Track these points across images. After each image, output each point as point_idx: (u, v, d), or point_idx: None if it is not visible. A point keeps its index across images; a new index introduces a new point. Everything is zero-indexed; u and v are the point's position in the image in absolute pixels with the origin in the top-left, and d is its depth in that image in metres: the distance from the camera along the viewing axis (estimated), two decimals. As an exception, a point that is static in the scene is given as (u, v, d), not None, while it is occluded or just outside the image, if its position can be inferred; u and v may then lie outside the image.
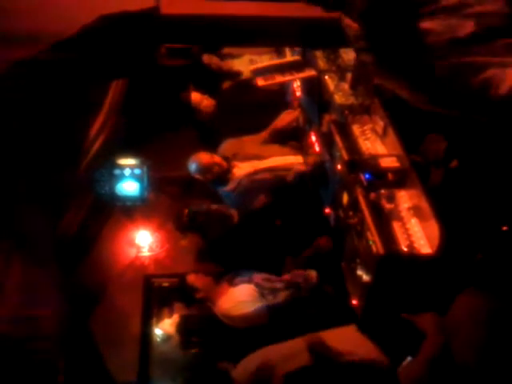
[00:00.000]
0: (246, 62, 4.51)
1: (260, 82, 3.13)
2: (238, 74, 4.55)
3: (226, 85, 4.63)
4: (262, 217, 3.89)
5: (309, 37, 2.86)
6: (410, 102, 2.16)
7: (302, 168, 3.71)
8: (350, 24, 2.04)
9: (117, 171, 3.76)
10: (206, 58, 4.59)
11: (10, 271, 2.85)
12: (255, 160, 3.97)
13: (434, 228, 2.59)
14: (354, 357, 3.03)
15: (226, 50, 4.68)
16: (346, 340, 3.19)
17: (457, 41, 1.86)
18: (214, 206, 4.08)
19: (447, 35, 1.87)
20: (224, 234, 3.96)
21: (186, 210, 4.02)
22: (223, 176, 3.96)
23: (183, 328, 4.39)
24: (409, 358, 2.64)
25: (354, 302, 2.91)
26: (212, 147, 4.23)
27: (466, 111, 2.01)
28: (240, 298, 3.72)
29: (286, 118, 4.09)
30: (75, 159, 3.68)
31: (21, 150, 3.09)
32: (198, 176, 4.02)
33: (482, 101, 1.87)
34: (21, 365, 2.76)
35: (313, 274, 3.73)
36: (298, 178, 3.76)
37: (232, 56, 4.66)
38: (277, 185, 3.86)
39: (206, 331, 4.07)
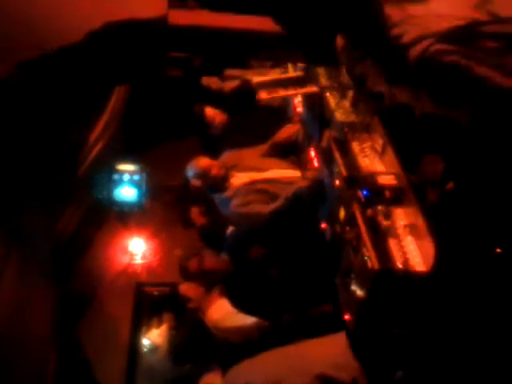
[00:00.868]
0: None
1: (263, 95, 3.18)
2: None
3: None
4: (257, 268, 3.78)
5: (311, 53, 2.93)
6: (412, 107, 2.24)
7: (300, 185, 3.69)
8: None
9: (116, 176, 3.78)
10: (205, 80, 4.65)
11: (8, 266, 2.84)
12: (254, 172, 3.99)
13: (429, 246, 2.62)
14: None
15: (227, 72, 4.74)
16: (336, 353, 3.15)
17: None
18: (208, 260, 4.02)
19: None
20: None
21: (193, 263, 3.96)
22: (221, 183, 3.96)
23: (171, 340, 4.37)
24: (399, 373, 2.64)
25: (347, 316, 2.91)
26: (213, 158, 4.25)
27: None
28: (231, 310, 3.71)
29: (286, 132, 4.13)
30: (74, 162, 3.69)
31: (21, 151, 3.10)
32: (195, 181, 4.03)
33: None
34: (12, 363, 2.74)
35: None
36: (295, 196, 3.69)
37: (233, 78, 4.72)
38: (271, 219, 3.70)
39: (194, 344, 4.05)
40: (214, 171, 3.98)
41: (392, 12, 2.24)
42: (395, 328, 2.72)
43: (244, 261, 3.79)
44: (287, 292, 3.60)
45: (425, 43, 2.09)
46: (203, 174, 4.02)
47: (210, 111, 4.53)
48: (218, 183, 4.00)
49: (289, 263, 3.63)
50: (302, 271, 3.55)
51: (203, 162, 4.06)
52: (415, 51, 2.10)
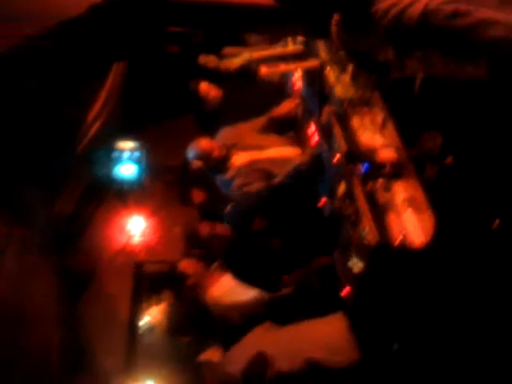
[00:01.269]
0: (246, 60, 4.50)
1: (263, 69, 3.16)
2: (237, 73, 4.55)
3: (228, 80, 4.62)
4: (259, 238, 3.81)
5: (311, 26, 2.90)
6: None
7: (300, 160, 3.69)
8: None
9: (115, 154, 3.76)
10: (202, 59, 4.60)
11: (10, 245, 2.85)
12: (254, 150, 3.96)
13: (428, 219, 2.63)
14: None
15: (226, 50, 4.69)
16: (331, 336, 3.18)
17: None
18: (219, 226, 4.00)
19: None
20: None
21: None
22: (222, 163, 3.94)
23: (170, 317, 4.39)
24: (396, 346, 2.67)
25: (345, 290, 2.93)
26: (211, 136, 4.22)
27: None
28: (231, 285, 3.71)
29: (285, 107, 4.10)
30: (73, 140, 3.68)
31: (20, 130, 3.09)
32: (196, 162, 4.00)
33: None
34: (17, 338, 2.76)
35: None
36: (295, 170, 3.71)
37: (231, 55, 4.67)
38: (272, 194, 3.73)
39: (193, 321, 4.07)
40: (215, 153, 3.95)
41: None
42: (393, 302, 2.73)
43: (246, 232, 3.80)
44: (289, 262, 3.62)
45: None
46: (204, 156, 3.98)
47: (204, 86, 4.48)
48: (220, 164, 3.97)
49: (290, 234, 3.65)
50: (303, 242, 3.56)
51: (204, 143, 4.01)
52: (416, 8, 2.12)
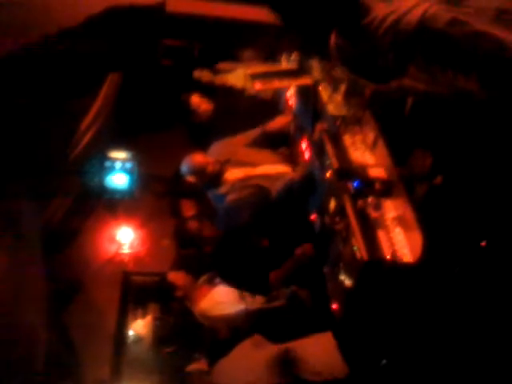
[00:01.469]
0: (240, 77, 4.56)
1: (257, 85, 3.20)
2: (231, 89, 4.60)
3: (221, 95, 4.68)
4: (246, 234, 3.88)
5: (306, 44, 2.96)
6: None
7: (292, 176, 3.73)
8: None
9: (107, 163, 3.77)
10: (197, 73, 4.65)
11: (1, 250, 2.84)
12: (247, 167, 3.98)
13: (417, 238, 2.67)
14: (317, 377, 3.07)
15: (221, 66, 4.74)
16: (317, 353, 3.21)
17: None
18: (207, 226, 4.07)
19: None
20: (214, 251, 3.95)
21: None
22: (216, 179, 3.94)
23: (156, 329, 4.38)
24: (384, 361, 2.70)
25: (335, 306, 2.96)
26: (203, 149, 4.24)
27: None
28: (220, 298, 3.73)
29: (278, 123, 4.14)
30: (65, 149, 3.68)
31: (12, 138, 3.09)
32: (190, 178, 3.99)
33: None
34: (3, 350, 2.74)
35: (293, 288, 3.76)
36: (286, 187, 3.76)
37: (226, 71, 4.72)
38: (263, 198, 3.81)
39: (180, 333, 4.07)
40: (210, 168, 3.94)
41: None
42: (382, 317, 2.77)
43: (234, 231, 3.88)
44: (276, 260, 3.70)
45: (423, 6, 2.18)
46: (199, 171, 3.97)
47: (195, 98, 4.51)
48: (213, 179, 3.97)
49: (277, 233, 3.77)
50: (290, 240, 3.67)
51: (198, 158, 4.00)
52: (414, 15, 2.17)
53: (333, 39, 2.56)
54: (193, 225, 3.99)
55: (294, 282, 3.71)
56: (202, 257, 4.07)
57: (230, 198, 3.84)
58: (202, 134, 4.57)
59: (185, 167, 3.98)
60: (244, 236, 3.90)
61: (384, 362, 2.73)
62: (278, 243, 3.83)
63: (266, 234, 3.91)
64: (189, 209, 4.49)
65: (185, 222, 4.13)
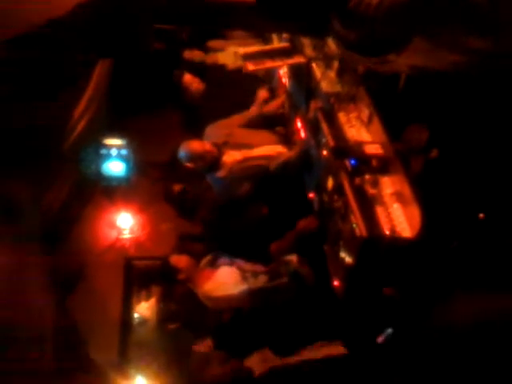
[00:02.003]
0: (231, 55, 4.53)
1: (250, 66, 3.18)
2: (222, 68, 4.58)
3: (212, 76, 4.65)
4: (247, 204, 3.92)
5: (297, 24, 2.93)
6: None
7: (288, 155, 3.74)
8: None
9: (103, 151, 3.76)
10: (187, 53, 4.61)
11: (2, 241, 2.85)
12: (245, 148, 3.98)
13: (415, 213, 2.70)
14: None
15: (210, 44, 4.70)
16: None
17: None
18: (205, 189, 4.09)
19: None
20: (212, 217, 3.98)
21: (177, 187, 4.01)
22: (214, 163, 3.94)
23: (159, 312, 4.42)
24: (389, 330, 2.74)
25: (336, 282, 3.00)
26: (197, 131, 4.23)
27: None
28: (222, 279, 3.77)
29: (274, 104, 4.14)
30: (60, 137, 3.67)
31: (7, 127, 3.08)
32: (188, 164, 3.99)
33: None
34: (10, 329, 2.78)
35: (293, 258, 3.81)
36: (282, 165, 3.78)
37: (216, 50, 4.67)
38: (262, 173, 3.87)
39: (182, 316, 4.11)
40: (207, 153, 3.94)
41: None
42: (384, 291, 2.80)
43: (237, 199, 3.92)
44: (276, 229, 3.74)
45: None
46: (197, 158, 3.96)
47: (187, 77, 4.50)
48: (212, 164, 3.97)
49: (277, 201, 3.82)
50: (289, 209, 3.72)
51: (195, 145, 3.99)
52: None
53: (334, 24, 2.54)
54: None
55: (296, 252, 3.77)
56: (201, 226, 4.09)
57: (229, 180, 3.88)
58: (196, 115, 4.56)
59: (182, 154, 3.98)
60: (244, 204, 3.93)
61: (388, 333, 2.78)
62: (278, 214, 3.86)
63: (266, 204, 3.95)
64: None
65: (184, 191, 4.12)
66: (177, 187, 4.06)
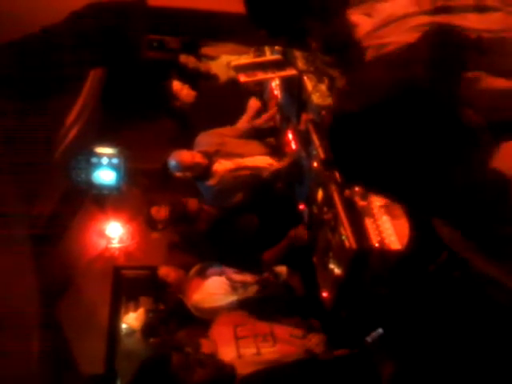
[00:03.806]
0: (223, 65, 4.57)
1: (242, 78, 3.19)
2: (214, 77, 4.61)
3: (203, 84, 4.68)
4: (238, 213, 3.93)
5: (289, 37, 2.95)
6: None
7: (279, 166, 3.77)
8: None
9: (94, 159, 3.76)
10: (183, 58, 4.64)
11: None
12: (236, 158, 4.01)
13: (404, 226, 2.71)
14: None
15: (204, 51, 4.73)
16: None
17: None
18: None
19: None
20: (206, 230, 3.97)
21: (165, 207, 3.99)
22: (205, 172, 3.96)
23: (148, 321, 4.41)
24: (379, 330, 2.75)
25: (325, 294, 3.00)
26: (188, 141, 4.25)
27: None
28: (211, 290, 3.76)
29: (266, 116, 4.18)
30: (51, 145, 3.67)
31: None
32: (179, 174, 3.99)
33: None
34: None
35: (282, 269, 3.82)
36: (274, 175, 3.81)
37: (209, 57, 4.71)
38: (254, 183, 3.91)
39: (169, 327, 4.09)
40: (197, 165, 3.95)
41: None
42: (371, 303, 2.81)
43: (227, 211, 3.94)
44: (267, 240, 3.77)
45: None
46: (187, 168, 3.97)
47: (177, 84, 4.52)
48: (202, 173, 3.98)
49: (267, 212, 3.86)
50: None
51: (186, 156, 3.99)
52: None
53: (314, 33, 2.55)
54: (192, 204, 3.98)
55: (285, 263, 3.80)
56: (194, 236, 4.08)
57: (220, 189, 3.90)
58: (186, 123, 4.58)
59: (172, 164, 3.98)
60: (236, 214, 3.94)
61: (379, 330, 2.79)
62: (269, 224, 3.88)
63: (258, 214, 3.96)
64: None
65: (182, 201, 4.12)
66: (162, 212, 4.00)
